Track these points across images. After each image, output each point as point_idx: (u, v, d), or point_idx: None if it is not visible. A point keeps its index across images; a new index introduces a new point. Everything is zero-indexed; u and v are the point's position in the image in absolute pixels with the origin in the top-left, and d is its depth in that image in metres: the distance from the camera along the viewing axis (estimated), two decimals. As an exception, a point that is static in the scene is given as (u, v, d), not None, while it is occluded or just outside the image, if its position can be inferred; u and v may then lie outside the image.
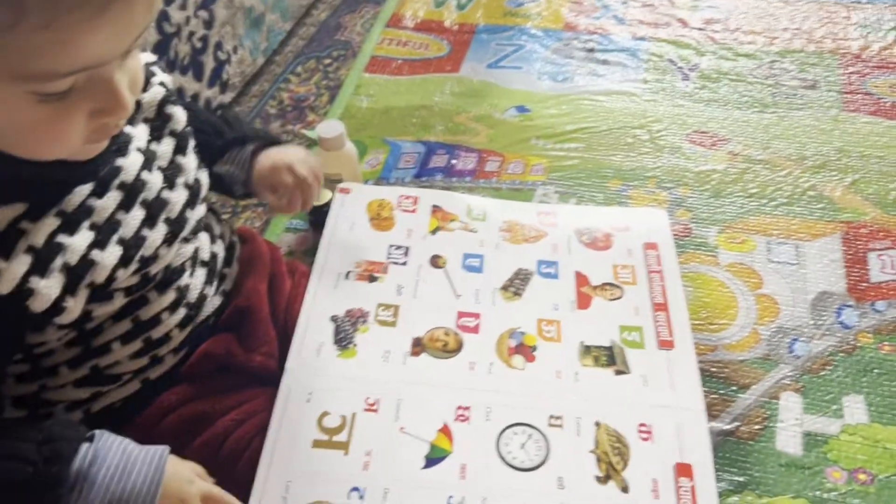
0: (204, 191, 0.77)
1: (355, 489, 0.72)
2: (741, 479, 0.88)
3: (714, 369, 0.98)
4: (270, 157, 0.87)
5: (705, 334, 1.02)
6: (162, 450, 0.65)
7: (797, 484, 0.87)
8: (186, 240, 0.74)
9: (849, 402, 0.94)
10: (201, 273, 0.79)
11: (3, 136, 0.54)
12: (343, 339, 0.85)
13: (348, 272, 0.91)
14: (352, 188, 1.04)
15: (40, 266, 0.58)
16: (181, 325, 0.76)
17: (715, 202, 1.21)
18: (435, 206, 1.00)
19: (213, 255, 0.82)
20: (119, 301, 0.68)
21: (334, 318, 0.86)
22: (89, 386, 0.72)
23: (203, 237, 0.80)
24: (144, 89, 0.70)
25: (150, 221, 0.68)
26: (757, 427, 0.92)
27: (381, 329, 0.85)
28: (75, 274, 0.61)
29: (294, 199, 0.87)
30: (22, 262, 0.57)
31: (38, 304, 0.59)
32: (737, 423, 0.93)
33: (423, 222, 0.98)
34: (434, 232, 0.97)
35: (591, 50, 1.56)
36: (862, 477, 0.87)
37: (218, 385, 0.78)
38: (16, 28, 0.44)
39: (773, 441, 0.91)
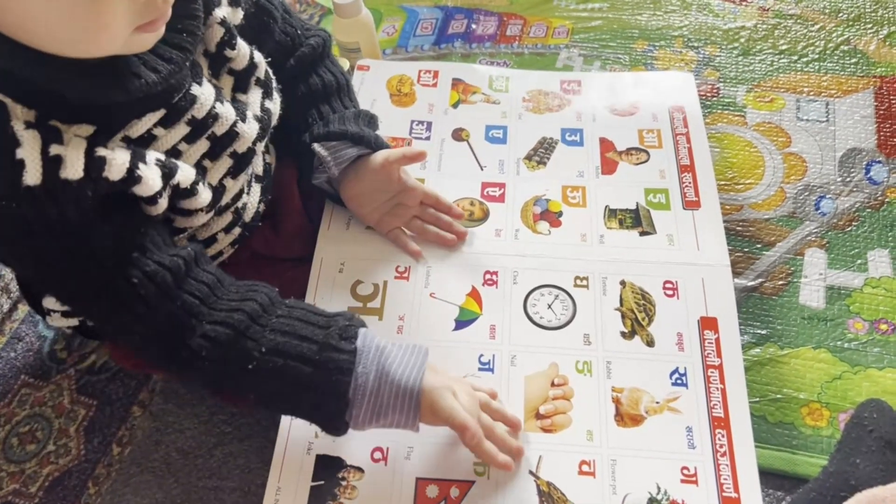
0: (273, 120, 0.74)
1: None
2: (764, 332, 0.90)
3: (739, 228, 0.99)
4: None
5: (731, 194, 1.02)
6: (420, 369, 0.64)
7: (819, 335, 0.89)
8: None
9: (873, 256, 0.95)
10: (256, 189, 0.78)
11: (50, 34, 0.51)
12: None
13: None
14: (371, 65, 1.02)
15: (140, 156, 0.58)
16: (234, 242, 0.77)
17: (744, 60, 1.18)
18: (455, 79, 0.99)
19: (267, 168, 0.80)
20: (189, 232, 0.68)
21: None
22: None
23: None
24: (205, 22, 0.64)
25: (212, 154, 0.67)
26: (781, 283, 0.94)
27: None
28: (167, 168, 0.61)
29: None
30: (125, 152, 0.57)
31: (145, 190, 0.59)
32: (761, 280, 0.94)
33: (444, 96, 0.97)
34: (455, 105, 0.96)
35: None
36: (883, 327, 0.89)
37: (257, 268, 0.80)
38: None
39: (796, 295, 0.93)
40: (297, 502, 0.67)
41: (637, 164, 0.88)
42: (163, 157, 0.60)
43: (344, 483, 0.68)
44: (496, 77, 0.99)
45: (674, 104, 0.93)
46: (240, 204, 0.74)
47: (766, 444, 0.82)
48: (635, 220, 0.83)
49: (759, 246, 0.97)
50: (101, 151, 0.55)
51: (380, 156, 0.80)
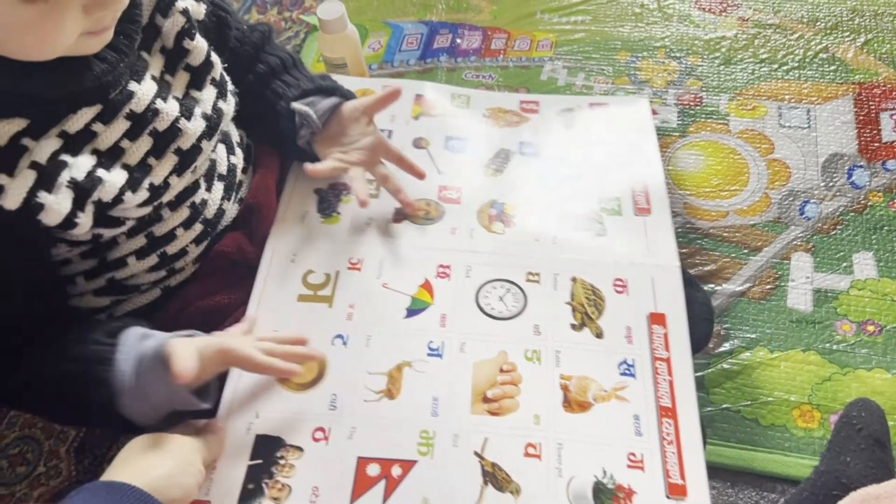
0: (225, 120, 0.74)
1: (339, 336, 0.74)
2: (753, 335, 0.91)
3: (726, 234, 1.00)
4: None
5: (717, 201, 1.03)
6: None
7: (808, 338, 0.90)
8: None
9: (858, 259, 0.96)
10: (219, 187, 0.77)
11: (2, 42, 0.51)
12: (327, 208, 0.86)
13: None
14: (335, 78, 1.03)
15: (46, 181, 0.57)
16: (197, 240, 0.75)
17: (725, 70, 1.20)
18: (418, 95, 1.00)
19: (232, 168, 0.80)
20: (129, 224, 0.67)
21: (318, 191, 0.87)
22: (109, 295, 0.73)
23: (220, 150, 0.79)
24: (165, 14, 0.66)
25: (156, 152, 0.66)
26: (768, 287, 0.95)
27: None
28: (83, 189, 0.60)
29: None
30: (27, 178, 0.56)
31: (51, 219, 0.58)
32: (749, 285, 0.95)
33: (406, 108, 0.98)
34: (417, 117, 0.97)
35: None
36: (870, 328, 0.90)
37: (234, 279, 0.80)
38: None
39: (784, 299, 0.94)
40: (232, 481, 0.66)
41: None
42: (81, 177, 0.60)
43: (282, 462, 0.67)
44: (458, 95, 1.00)
45: (628, 128, 0.95)
46: (197, 200, 0.73)
47: (760, 447, 0.83)
48: (588, 223, 0.85)
49: (745, 251, 0.98)
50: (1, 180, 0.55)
51: (354, 102, 0.82)
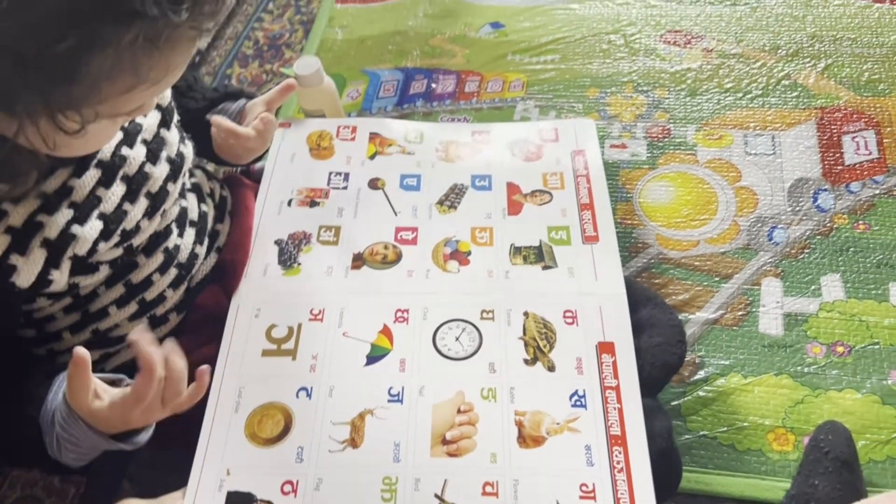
0: (187, 164, 0.79)
1: (303, 388, 0.77)
2: (727, 362, 0.93)
3: (697, 262, 1.03)
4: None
5: (688, 230, 1.06)
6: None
7: (780, 362, 0.93)
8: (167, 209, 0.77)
9: (826, 281, 0.99)
10: (191, 233, 0.81)
11: (59, 147, 0.56)
12: (287, 260, 0.89)
13: (290, 200, 0.94)
14: (292, 122, 1.06)
15: (19, 244, 0.61)
16: (173, 284, 0.79)
17: (692, 101, 1.24)
18: (373, 133, 1.03)
19: (203, 215, 0.84)
20: (104, 272, 0.71)
21: (278, 242, 0.90)
22: (96, 349, 0.76)
23: (191, 198, 0.83)
24: None
25: (130, 196, 0.70)
26: (740, 313, 0.98)
27: (324, 248, 0.90)
28: (56, 247, 0.64)
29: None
30: (1, 243, 0.60)
31: (23, 280, 0.62)
32: (721, 312, 0.98)
33: (361, 149, 1.01)
34: (372, 157, 1.00)
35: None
36: (840, 349, 0.93)
37: (217, 332, 0.83)
38: (134, 89, 0.53)
39: (755, 325, 0.97)
40: None
41: (541, 204, 0.93)
42: (54, 235, 0.64)
43: None
44: (411, 130, 1.04)
45: (575, 148, 0.98)
46: (170, 245, 0.77)
47: (737, 472, 0.86)
48: (538, 255, 0.88)
49: (717, 279, 1.01)
50: None
51: (256, 99, 0.91)
